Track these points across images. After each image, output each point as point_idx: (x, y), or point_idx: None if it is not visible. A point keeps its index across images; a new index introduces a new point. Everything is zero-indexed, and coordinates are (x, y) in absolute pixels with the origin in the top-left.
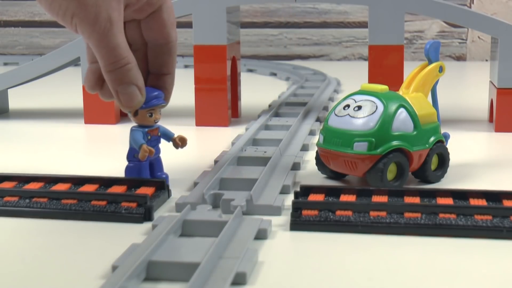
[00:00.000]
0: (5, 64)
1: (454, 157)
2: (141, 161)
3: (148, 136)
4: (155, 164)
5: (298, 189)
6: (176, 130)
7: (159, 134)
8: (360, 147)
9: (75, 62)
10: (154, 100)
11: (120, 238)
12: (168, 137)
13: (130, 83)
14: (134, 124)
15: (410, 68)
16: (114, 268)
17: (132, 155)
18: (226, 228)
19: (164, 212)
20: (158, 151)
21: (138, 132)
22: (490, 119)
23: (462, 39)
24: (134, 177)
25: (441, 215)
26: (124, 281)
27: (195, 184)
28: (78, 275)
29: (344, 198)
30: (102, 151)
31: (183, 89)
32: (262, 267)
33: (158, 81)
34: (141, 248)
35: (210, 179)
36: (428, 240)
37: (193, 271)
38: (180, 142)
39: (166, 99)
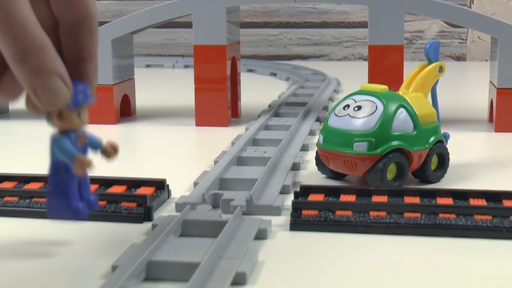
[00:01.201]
0: None
1: (454, 157)
2: (68, 179)
3: (77, 145)
4: (82, 183)
5: (298, 189)
6: (176, 130)
7: (86, 142)
8: (360, 147)
9: None
10: (81, 96)
11: (120, 238)
12: (96, 145)
13: (50, 73)
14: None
15: (410, 68)
16: (114, 268)
17: (56, 172)
18: (226, 228)
19: (164, 212)
20: None
21: (65, 139)
22: (490, 119)
23: (462, 39)
24: (60, 205)
25: (441, 215)
26: (124, 281)
27: (195, 184)
28: (78, 275)
29: (344, 198)
30: None
31: (183, 89)
32: (262, 267)
33: (77, 70)
34: (141, 248)
35: (210, 179)
36: (428, 240)
37: (193, 271)
38: (112, 150)
39: (92, 92)
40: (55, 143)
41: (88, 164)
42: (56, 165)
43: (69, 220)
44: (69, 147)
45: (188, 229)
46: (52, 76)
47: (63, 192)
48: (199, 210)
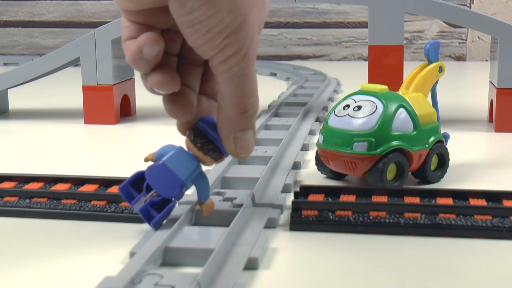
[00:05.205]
0: (5, 64)
1: (454, 157)
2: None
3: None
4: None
5: (298, 189)
6: (176, 129)
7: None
8: (360, 147)
9: (75, 62)
10: None
11: (120, 238)
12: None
13: (251, 128)
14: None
15: (410, 68)
16: (132, 254)
17: (178, 189)
18: (238, 217)
19: None
20: None
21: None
22: (490, 119)
23: (462, 39)
24: (161, 218)
25: (441, 215)
26: (142, 265)
27: None
28: (77, 276)
29: (344, 198)
30: (102, 151)
31: None
32: (262, 264)
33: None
34: (157, 236)
35: (211, 178)
36: (428, 240)
37: (207, 256)
38: (206, 210)
39: None
40: (203, 178)
41: (213, 208)
42: (181, 187)
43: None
44: (209, 189)
45: (201, 218)
46: (250, 131)
47: (170, 208)
48: None
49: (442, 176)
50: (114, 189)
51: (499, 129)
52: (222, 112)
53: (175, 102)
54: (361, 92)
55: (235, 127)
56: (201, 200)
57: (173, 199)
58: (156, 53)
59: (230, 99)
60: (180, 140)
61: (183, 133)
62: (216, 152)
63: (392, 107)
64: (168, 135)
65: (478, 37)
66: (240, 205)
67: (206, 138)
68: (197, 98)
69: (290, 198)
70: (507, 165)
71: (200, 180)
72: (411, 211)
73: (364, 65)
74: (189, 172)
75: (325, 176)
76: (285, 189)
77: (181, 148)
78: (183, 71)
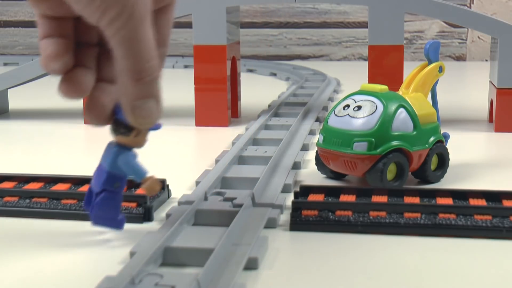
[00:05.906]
0: (5, 64)
1: (454, 157)
2: (119, 191)
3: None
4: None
5: (298, 189)
6: (176, 130)
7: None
8: (360, 147)
9: None
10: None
11: (120, 238)
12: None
13: (153, 96)
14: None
15: (410, 68)
16: (132, 254)
17: (110, 183)
18: (238, 217)
19: (163, 212)
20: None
21: (134, 156)
22: (490, 119)
23: (462, 39)
24: (106, 215)
25: (441, 215)
26: (142, 266)
27: (197, 183)
28: (77, 276)
29: (344, 198)
30: (102, 151)
31: (183, 89)
32: (262, 264)
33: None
34: (157, 236)
35: (212, 178)
36: (428, 240)
37: (207, 256)
38: (150, 190)
39: None
40: (122, 157)
41: (160, 186)
42: (113, 177)
43: (109, 228)
44: (141, 166)
45: (201, 218)
46: (153, 99)
47: (111, 203)
48: (210, 201)
49: (442, 176)
50: None
51: (499, 129)
52: (119, 80)
53: (90, 109)
54: (361, 92)
55: (132, 95)
56: (138, 181)
57: (107, 190)
58: (63, 64)
59: (124, 64)
60: (179, 140)
61: None
62: (124, 128)
63: (392, 107)
64: (168, 135)
65: (478, 37)
66: (240, 205)
67: (114, 120)
68: None
69: (290, 198)
70: (507, 165)
71: (126, 163)
72: (411, 211)
73: (364, 65)
74: (110, 159)
75: (325, 176)
76: (285, 189)
77: (108, 142)
78: (105, 61)
